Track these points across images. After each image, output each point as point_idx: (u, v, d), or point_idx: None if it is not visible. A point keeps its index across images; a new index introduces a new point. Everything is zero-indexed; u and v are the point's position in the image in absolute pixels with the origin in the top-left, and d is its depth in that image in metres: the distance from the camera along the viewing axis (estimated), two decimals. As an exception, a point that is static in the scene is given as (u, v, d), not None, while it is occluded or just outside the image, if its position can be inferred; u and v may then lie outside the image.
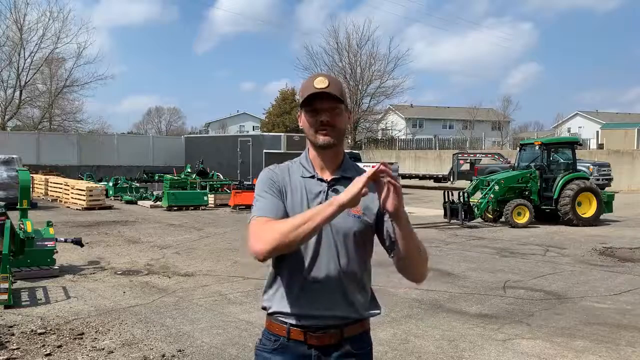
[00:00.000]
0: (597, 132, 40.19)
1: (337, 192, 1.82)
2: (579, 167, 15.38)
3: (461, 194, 13.56)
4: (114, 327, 5.21)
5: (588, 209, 13.54)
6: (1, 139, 26.41)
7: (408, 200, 20.74)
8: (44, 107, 36.34)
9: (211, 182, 19.09)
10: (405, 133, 51.03)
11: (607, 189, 18.75)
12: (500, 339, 5.07)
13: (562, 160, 14.91)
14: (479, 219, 13.91)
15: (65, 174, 22.86)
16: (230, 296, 6.45)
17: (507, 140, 48.00)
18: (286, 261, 1.80)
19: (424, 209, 17.77)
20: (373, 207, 1.84)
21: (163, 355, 4.51)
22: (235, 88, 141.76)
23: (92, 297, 6.32)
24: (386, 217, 1.83)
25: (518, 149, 15.71)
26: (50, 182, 19.29)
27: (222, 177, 20.65)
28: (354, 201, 1.57)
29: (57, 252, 7.63)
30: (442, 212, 14.28)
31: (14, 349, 4.58)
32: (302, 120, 1.85)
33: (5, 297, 5.74)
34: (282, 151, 23.56)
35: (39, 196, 19.28)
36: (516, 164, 15.05)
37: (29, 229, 7.38)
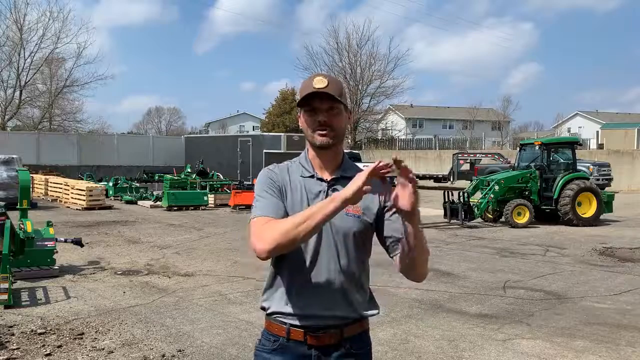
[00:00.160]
0: (597, 132, 40.20)
1: (336, 191, 1.82)
2: (579, 167, 15.38)
3: (461, 194, 13.56)
4: (114, 327, 5.21)
5: (588, 209, 13.54)
6: (1, 139, 26.42)
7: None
8: (44, 107, 36.35)
9: (211, 182, 19.09)
10: (405, 133, 51.01)
11: (607, 189, 18.75)
12: (500, 339, 5.07)
13: (562, 160, 14.91)
14: (479, 219, 13.91)
15: (65, 174, 22.87)
16: (230, 296, 6.45)
17: (507, 140, 48.02)
18: (286, 261, 1.80)
19: (424, 209, 17.61)
20: (373, 207, 1.85)
21: (163, 355, 4.51)
22: (235, 88, 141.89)
23: (92, 297, 6.32)
24: (388, 217, 1.84)
25: (518, 149, 15.71)
26: (50, 182, 19.29)
27: (222, 177, 20.65)
28: (356, 196, 1.56)
29: (57, 252, 7.63)
30: (442, 212, 14.28)
31: (14, 349, 4.58)
32: (301, 120, 1.85)
33: (5, 297, 5.74)
34: (282, 151, 23.59)
35: (39, 196, 19.28)
36: (516, 164, 15.05)
37: (29, 229, 7.38)
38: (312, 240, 1.76)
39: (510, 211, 13.09)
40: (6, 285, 5.75)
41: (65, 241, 8.18)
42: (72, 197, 16.79)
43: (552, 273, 8.03)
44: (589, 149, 32.83)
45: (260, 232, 1.66)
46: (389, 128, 49.66)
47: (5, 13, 39.06)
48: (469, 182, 16.43)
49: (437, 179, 28.29)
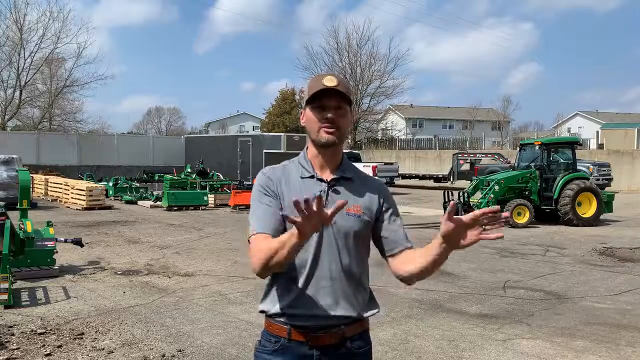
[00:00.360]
0: (597, 132, 40.18)
1: (337, 192, 1.82)
2: (579, 167, 15.37)
3: (461, 194, 13.56)
4: (114, 327, 5.21)
5: (588, 209, 13.54)
6: (1, 139, 26.41)
7: (408, 200, 20.76)
8: (44, 107, 36.36)
9: (211, 182, 19.08)
10: (405, 133, 51.02)
11: (607, 189, 18.74)
12: (500, 339, 5.07)
13: (562, 160, 14.90)
14: (479, 219, 13.89)
15: (65, 174, 22.86)
16: (230, 296, 6.45)
17: (507, 140, 48.02)
18: None
19: (424, 209, 17.77)
20: (372, 207, 1.85)
21: (163, 355, 4.51)
22: (235, 88, 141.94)
23: (92, 297, 6.31)
24: (387, 218, 1.85)
25: (518, 149, 15.71)
26: (50, 182, 19.29)
27: (222, 177, 20.64)
28: (310, 232, 1.55)
29: (57, 252, 7.63)
30: (442, 212, 14.25)
31: (14, 349, 4.58)
32: (306, 117, 1.84)
33: (5, 297, 5.74)
34: (282, 151, 23.58)
35: (39, 196, 19.28)
36: (516, 164, 15.05)
37: (29, 229, 7.38)
38: (313, 240, 1.77)
39: (510, 211, 13.08)
40: (6, 285, 5.75)
41: (65, 241, 8.18)
42: (72, 197, 16.79)
43: (552, 273, 8.03)
44: (589, 149, 32.83)
45: (253, 252, 1.73)
46: (389, 128, 49.67)
47: (5, 13, 39.17)
48: (469, 182, 16.42)
49: (437, 179, 28.30)
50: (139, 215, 14.57)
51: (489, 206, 12.70)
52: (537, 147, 14.42)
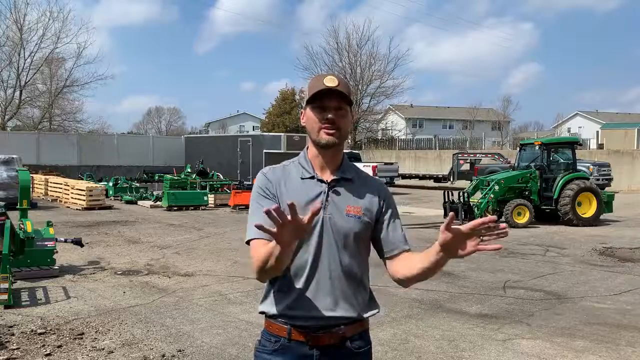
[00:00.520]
0: (597, 132, 40.18)
1: (337, 193, 1.82)
2: (579, 167, 15.37)
3: (461, 194, 13.55)
4: (114, 327, 5.21)
5: (588, 209, 13.54)
6: (1, 139, 26.42)
7: (408, 200, 20.76)
8: (44, 107, 36.37)
9: (211, 182, 19.08)
10: (405, 133, 51.02)
11: (607, 189, 18.74)
12: (500, 339, 5.07)
13: (562, 160, 14.90)
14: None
15: (65, 174, 22.86)
16: (230, 296, 6.45)
17: (507, 140, 48.02)
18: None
19: (424, 209, 17.77)
20: (372, 208, 1.85)
21: (163, 355, 4.51)
22: (235, 88, 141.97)
23: (92, 297, 6.32)
24: (386, 219, 1.85)
25: (518, 149, 15.71)
26: (50, 182, 19.28)
27: (222, 177, 20.64)
28: (290, 241, 1.55)
29: (57, 252, 7.63)
30: (442, 212, 14.28)
31: (14, 349, 4.58)
32: (307, 117, 1.84)
33: (5, 297, 5.74)
34: (282, 151, 23.58)
35: (39, 196, 19.28)
36: (516, 164, 15.04)
37: (29, 229, 7.38)
38: (313, 241, 1.77)
39: (510, 211, 13.08)
40: (6, 285, 5.75)
41: (65, 241, 8.18)
42: (72, 197, 16.79)
43: (552, 273, 8.03)
44: (589, 149, 32.83)
45: (252, 258, 1.74)
46: (389, 128, 49.68)
47: (5, 13, 39.19)
48: (469, 182, 16.42)
49: (437, 179, 28.30)
50: (139, 215, 14.57)
51: (489, 206, 12.75)
52: (537, 147, 14.42)
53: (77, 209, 15.89)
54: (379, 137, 44.64)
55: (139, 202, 17.91)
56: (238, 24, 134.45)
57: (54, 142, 28.07)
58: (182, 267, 8.11)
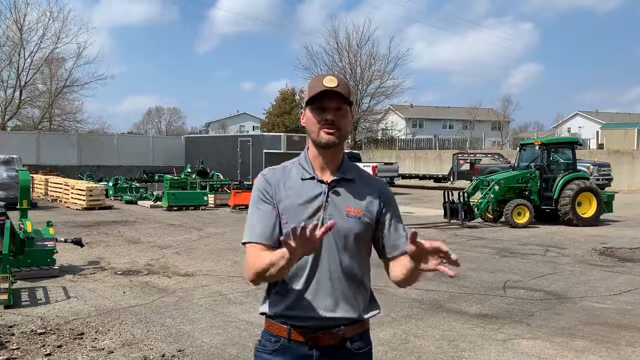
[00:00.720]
0: (597, 132, 40.18)
1: (337, 193, 1.82)
2: (579, 167, 15.37)
3: (461, 194, 13.56)
4: (114, 327, 5.21)
5: (588, 209, 13.54)
6: (1, 139, 26.41)
7: (408, 200, 20.76)
8: (44, 107, 36.37)
9: (211, 182, 19.09)
10: (405, 133, 51.02)
11: (607, 189, 18.75)
12: (500, 339, 5.07)
13: (562, 160, 14.90)
14: (479, 219, 13.91)
15: (65, 174, 22.86)
16: (230, 296, 6.45)
17: (507, 140, 48.03)
18: None
19: (424, 209, 17.77)
20: (373, 209, 1.85)
21: (163, 355, 4.51)
22: (235, 88, 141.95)
23: (92, 297, 6.32)
24: (387, 220, 1.85)
25: (518, 149, 15.71)
26: (50, 182, 19.29)
27: (222, 177, 20.65)
28: (299, 254, 1.58)
29: (57, 252, 7.63)
30: (442, 212, 14.28)
31: (14, 349, 4.58)
32: (307, 117, 1.84)
33: (5, 297, 5.74)
34: (282, 151, 23.57)
35: (39, 196, 19.28)
36: (516, 164, 15.05)
37: (29, 229, 7.38)
38: None
39: (510, 211, 13.09)
40: (6, 285, 5.75)
41: (65, 241, 8.18)
42: (72, 197, 16.79)
43: (552, 273, 8.03)
44: (589, 149, 32.83)
45: (248, 261, 1.77)
46: (389, 128, 49.67)
47: (5, 13, 39.18)
48: (469, 182, 16.42)
49: (437, 179, 28.31)
50: (139, 215, 14.57)
51: (489, 206, 12.75)
52: (537, 147, 14.42)
53: (77, 209, 15.89)
54: (379, 137, 44.63)
55: (139, 202, 17.91)
56: (238, 24, 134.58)
57: (54, 142, 28.07)
58: (182, 267, 8.11)
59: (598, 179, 21.99)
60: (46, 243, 7.46)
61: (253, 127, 70.18)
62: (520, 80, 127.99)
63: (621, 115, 63.69)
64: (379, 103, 42.61)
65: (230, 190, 17.99)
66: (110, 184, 19.95)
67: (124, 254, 9.05)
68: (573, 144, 14.95)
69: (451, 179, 26.54)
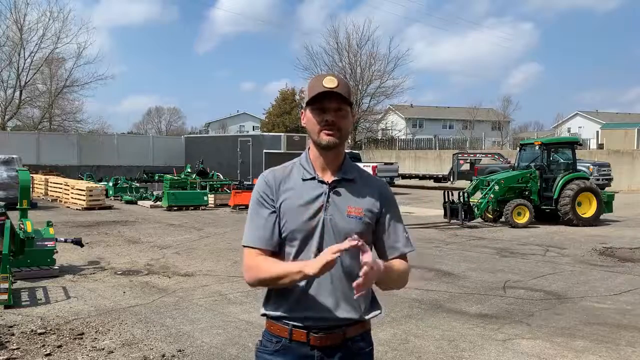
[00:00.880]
0: (597, 132, 40.18)
1: (338, 194, 1.82)
2: (579, 167, 15.37)
3: (461, 194, 13.56)
4: (114, 327, 5.21)
5: (588, 209, 13.54)
6: (1, 139, 26.40)
7: (408, 200, 20.76)
8: (44, 107, 36.35)
9: (211, 182, 19.08)
10: (405, 133, 51.02)
11: (607, 189, 18.75)
12: (500, 339, 5.07)
13: (562, 160, 14.90)
14: (479, 219, 13.91)
15: (65, 174, 22.85)
16: (230, 296, 6.45)
17: (507, 140, 48.02)
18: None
19: (424, 209, 17.77)
20: (373, 209, 1.85)
21: (163, 355, 4.51)
22: (235, 88, 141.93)
23: (92, 297, 6.32)
24: (386, 222, 1.86)
25: (518, 149, 15.71)
26: (50, 182, 19.28)
27: (222, 177, 20.64)
28: (322, 273, 1.64)
29: (57, 252, 7.63)
30: (442, 212, 14.28)
31: (14, 349, 4.58)
32: (307, 118, 1.84)
33: (5, 297, 5.74)
34: (282, 151, 23.56)
35: (39, 196, 19.28)
36: (516, 164, 15.05)
37: (29, 229, 7.38)
38: (314, 242, 1.78)
39: (510, 211, 13.09)
40: (6, 285, 5.75)
41: (65, 241, 8.18)
42: (72, 197, 16.79)
43: (552, 273, 8.03)
44: (589, 149, 32.82)
45: (248, 264, 1.81)
46: (389, 128, 49.66)
47: (5, 13, 39.14)
48: (469, 182, 16.42)
49: (437, 179, 28.31)
50: (139, 215, 14.57)
51: (489, 206, 12.77)
52: (537, 147, 14.42)
53: (77, 209, 15.89)
54: (379, 137, 44.62)
55: (139, 202, 17.91)
56: (238, 24, 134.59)
57: (54, 142, 28.07)
58: (182, 267, 8.11)
59: (598, 179, 21.99)
60: (46, 243, 7.46)
61: (253, 127, 70.18)
62: (520, 80, 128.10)
63: (621, 115, 63.70)
64: (379, 103, 42.67)
65: (230, 190, 17.99)
66: (110, 184, 19.95)
67: (124, 254, 9.05)
68: (573, 144, 14.95)
69: (451, 179, 26.54)
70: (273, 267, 1.74)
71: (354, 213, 1.81)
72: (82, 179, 20.36)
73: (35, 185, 19.82)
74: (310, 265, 1.64)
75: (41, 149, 26.88)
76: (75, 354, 4.51)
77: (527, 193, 13.81)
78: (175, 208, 16.18)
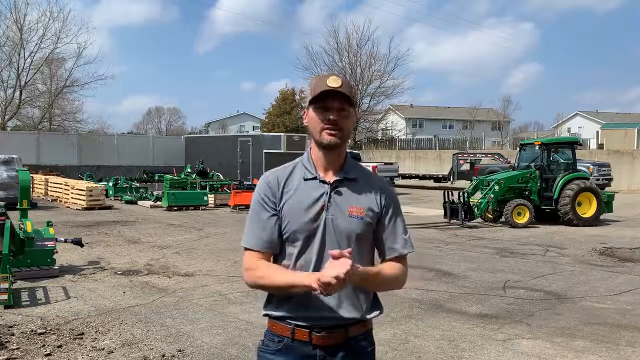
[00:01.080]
0: (597, 132, 40.18)
1: (339, 193, 1.82)
2: (579, 167, 15.37)
3: (461, 194, 13.56)
4: (114, 327, 5.21)
5: (588, 209, 13.54)
6: (1, 139, 26.39)
7: (408, 200, 20.75)
8: (44, 107, 36.34)
9: (211, 182, 19.08)
10: (405, 133, 51.02)
11: (607, 189, 18.75)
12: (500, 339, 5.07)
13: (562, 160, 14.90)
14: (479, 219, 13.91)
15: (65, 174, 22.84)
16: (230, 296, 6.45)
17: (507, 140, 48.03)
18: (290, 263, 1.82)
19: (424, 209, 17.77)
20: (375, 209, 1.85)
21: (163, 355, 4.51)
22: (235, 88, 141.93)
23: (92, 297, 6.31)
24: (386, 222, 1.86)
25: (518, 149, 15.71)
26: (50, 182, 19.28)
27: (222, 177, 20.64)
28: (328, 292, 1.62)
29: (57, 252, 7.63)
30: (442, 212, 14.28)
31: (14, 349, 4.58)
32: (309, 117, 1.84)
33: (5, 297, 5.74)
34: (282, 151, 23.54)
35: (39, 196, 19.27)
36: (516, 164, 15.05)
37: (29, 229, 7.38)
38: (316, 242, 1.78)
39: (510, 211, 13.09)
40: (6, 285, 5.75)
41: (65, 241, 8.18)
42: (72, 197, 16.79)
43: (552, 273, 8.03)
44: (589, 149, 32.83)
45: (248, 266, 1.82)
46: (389, 128, 49.67)
47: (5, 13, 39.09)
48: (469, 182, 16.42)
49: (437, 179, 28.31)
50: (139, 215, 14.57)
51: (489, 206, 12.79)
52: (537, 147, 14.42)
53: (77, 209, 15.89)
54: (379, 137, 44.63)
55: (139, 202, 17.91)
56: (238, 24, 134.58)
57: (54, 142, 28.05)
58: (182, 267, 8.10)
59: (598, 179, 21.99)
60: (46, 243, 7.46)
61: (253, 127, 70.18)
62: (520, 80, 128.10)
63: (621, 115, 63.69)
64: (379, 103, 42.68)
65: (230, 190, 17.98)
66: (110, 184, 19.94)
67: (124, 254, 9.04)
68: (573, 144, 14.95)
69: (451, 179, 26.54)
70: (275, 276, 1.76)
71: (356, 213, 1.81)
72: (82, 179, 20.36)
73: (35, 185, 19.82)
74: (315, 279, 1.63)
75: (41, 149, 26.87)
76: (75, 354, 4.51)
77: (527, 193, 13.81)
78: (175, 208, 16.18)
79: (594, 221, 13.47)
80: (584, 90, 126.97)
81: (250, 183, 19.35)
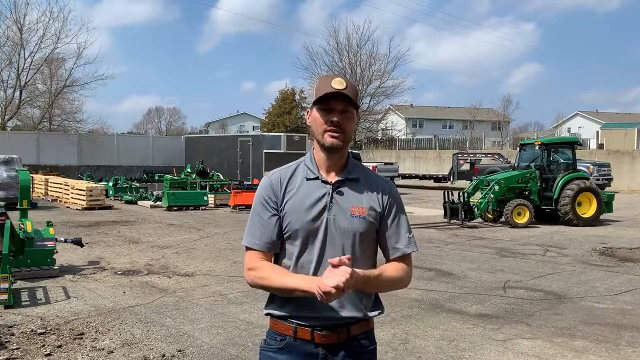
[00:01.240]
0: (597, 132, 40.19)
1: (341, 194, 1.83)
2: (579, 167, 15.37)
3: (461, 194, 13.56)
4: (114, 327, 5.21)
5: (588, 209, 13.54)
6: (1, 139, 26.39)
7: (408, 200, 20.75)
8: (44, 107, 36.29)
9: (211, 182, 19.09)
10: (405, 133, 51.03)
11: (607, 189, 18.74)
12: (500, 339, 5.06)
13: (562, 160, 14.90)
14: (479, 219, 13.91)
15: (65, 174, 22.86)
16: (230, 296, 6.45)
17: (507, 140, 47.99)
18: (291, 263, 1.82)
19: (424, 209, 17.77)
20: (377, 208, 1.86)
21: (163, 355, 4.51)
22: (235, 88, 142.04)
23: (92, 297, 6.31)
24: (389, 221, 1.87)
25: (518, 149, 15.71)
26: (50, 182, 19.29)
27: (222, 177, 20.64)
28: (328, 300, 1.62)
29: (57, 252, 7.63)
30: (442, 212, 14.28)
31: (14, 349, 4.58)
32: (312, 118, 1.85)
33: (5, 297, 5.74)
34: (282, 151, 23.55)
35: (39, 196, 19.28)
36: (516, 164, 15.05)
37: (29, 229, 7.38)
38: (318, 241, 1.79)
39: (510, 211, 13.09)
40: (6, 285, 5.75)
41: (65, 241, 8.18)
42: (72, 197, 16.79)
43: (552, 273, 8.03)
44: (589, 149, 32.84)
45: (249, 266, 1.83)
46: (389, 128, 49.65)
47: (5, 13, 39.15)
48: (469, 182, 16.42)
49: (437, 179, 28.32)
50: (139, 215, 14.57)
51: (489, 206, 12.79)
52: (537, 147, 14.42)
53: (77, 209, 15.89)
54: (379, 137, 44.62)
55: (139, 202, 17.91)
56: (238, 24, 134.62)
57: (54, 142, 28.05)
58: (182, 267, 8.10)
59: (598, 179, 21.99)
60: (46, 243, 7.46)
61: (253, 127, 70.18)
62: (520, 80, 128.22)
63: (621, 115, 63.68)
64: (379, 103, 42.63)
65: (230, 190, 17.99)
66: (110, 184, 19.95)
67: (124, 254, 9.04)
68: (573, 144, 14.95)
69: (451, 179, 26.54)
70: (276, 278, 1.76)
71: (358, 212, 1.82)
72: (82, 179, 20.37)
73: (35, 185, 19.82)
74: (316, 286, 1.63)
75: (41, 149, 26.86)
76: (75, 354, 4.51)
77: (527, 193, 13.81)
78: (175, 208, 16.18)
79: (594, 221, 13.47)
80: (584, 90, 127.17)
81: (250, 183, 19.36)
